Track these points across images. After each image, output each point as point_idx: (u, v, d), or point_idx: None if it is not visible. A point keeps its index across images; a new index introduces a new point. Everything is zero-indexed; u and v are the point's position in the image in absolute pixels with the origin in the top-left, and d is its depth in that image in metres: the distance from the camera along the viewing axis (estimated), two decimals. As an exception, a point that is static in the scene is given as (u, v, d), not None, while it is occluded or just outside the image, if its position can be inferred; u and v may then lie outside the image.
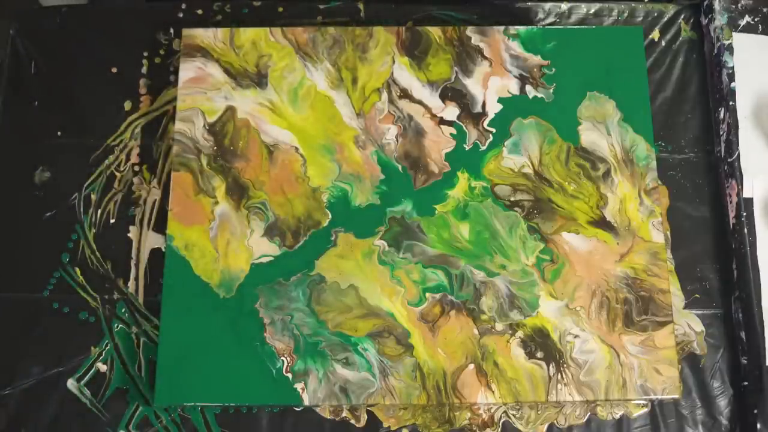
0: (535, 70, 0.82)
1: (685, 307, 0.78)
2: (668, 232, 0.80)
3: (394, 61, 0.82)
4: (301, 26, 0.84)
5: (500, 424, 0.74)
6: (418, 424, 0.74)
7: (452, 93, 0.82)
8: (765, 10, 0.86)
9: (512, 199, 0.78)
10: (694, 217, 0.81)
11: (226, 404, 0.73)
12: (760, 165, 0.80)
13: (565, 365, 0.73)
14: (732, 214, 0.79)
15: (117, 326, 0.76)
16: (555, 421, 0.74)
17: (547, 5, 0.87)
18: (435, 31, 0.83)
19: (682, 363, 0.76)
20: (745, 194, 0.79)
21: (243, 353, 0.73)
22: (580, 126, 0.80)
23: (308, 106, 0.81)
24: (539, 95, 0.81)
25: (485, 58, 0.83)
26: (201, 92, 0.81)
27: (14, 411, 0.74)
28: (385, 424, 0.74)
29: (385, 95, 0.81)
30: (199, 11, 0.87)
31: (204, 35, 0.83)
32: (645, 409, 0.75)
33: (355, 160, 0.79)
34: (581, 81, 0.82)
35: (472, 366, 0.73)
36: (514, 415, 0.74)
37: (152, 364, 0.74)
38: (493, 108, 0.81)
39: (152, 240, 0.79)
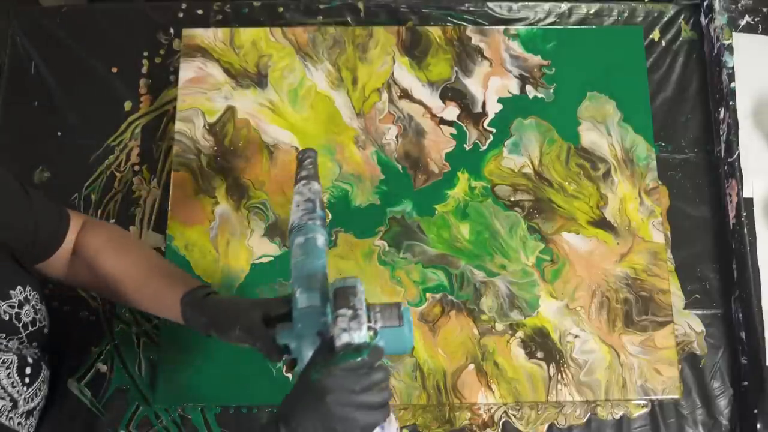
0: (535, 70, 0.82)
1: (685, 307, 0.77)
2: (668, 232, 0.80)
3: (394, 61, 0.82)
4: (301, 26, 0.85)
5: (500, 424, 0.74)
6: (418, 424, 0.74)
7: (452, 93, 0.82)
8: (765, 10, 0.86)
9: (512, 199, 0.78)
10: (694, 217, 0.80)
11: (226, 404, 0.73)
12: (760, 165, 0.80)
13: (565, 365, 0.73)
14: (732, 214, 0.79)
15: (117, 326, 0.76)
16: (555, 421, 0.74)
17: (547, 5, 0.87)
18: (435, 31, 0.83)
19: (682, 363, 0.76)
20: (745, 194, 0.79)
21: (243, 353, 0.72)
22: (580, 126, 0.80)
23: (308, 106, 0.81)
24: (539, 95, 0.81)
25: (485, 58, 0.83)
26: (201, 92, 0.81)
27: (14, 411, 0.74)
28: (385, 424, 0.74)
29: (385, 95, 0.81)
30: (199, 11, 0.86)
31: (204, 35, 0.83)
32: (645, 409, 0.74)
33: (355, 160, 0.79)
34: (581, 81, 0.82)
35: (472, 366, 0.73)
36: (514, 415, 0.74)
37: (152, 364, 0.74)
38: (493, 108, 0.81)
39: (152, 240, 0.78)
